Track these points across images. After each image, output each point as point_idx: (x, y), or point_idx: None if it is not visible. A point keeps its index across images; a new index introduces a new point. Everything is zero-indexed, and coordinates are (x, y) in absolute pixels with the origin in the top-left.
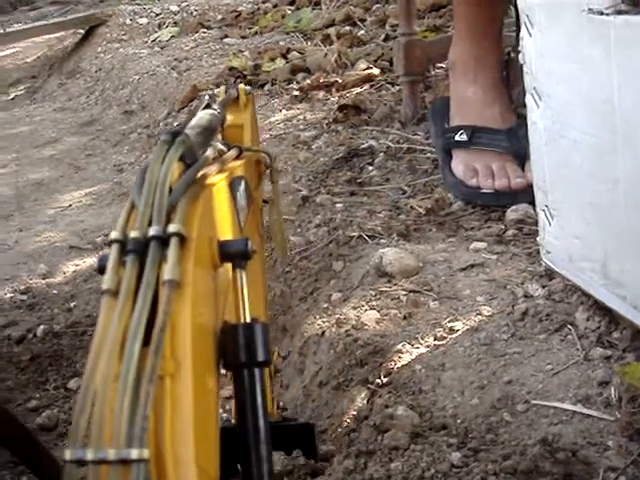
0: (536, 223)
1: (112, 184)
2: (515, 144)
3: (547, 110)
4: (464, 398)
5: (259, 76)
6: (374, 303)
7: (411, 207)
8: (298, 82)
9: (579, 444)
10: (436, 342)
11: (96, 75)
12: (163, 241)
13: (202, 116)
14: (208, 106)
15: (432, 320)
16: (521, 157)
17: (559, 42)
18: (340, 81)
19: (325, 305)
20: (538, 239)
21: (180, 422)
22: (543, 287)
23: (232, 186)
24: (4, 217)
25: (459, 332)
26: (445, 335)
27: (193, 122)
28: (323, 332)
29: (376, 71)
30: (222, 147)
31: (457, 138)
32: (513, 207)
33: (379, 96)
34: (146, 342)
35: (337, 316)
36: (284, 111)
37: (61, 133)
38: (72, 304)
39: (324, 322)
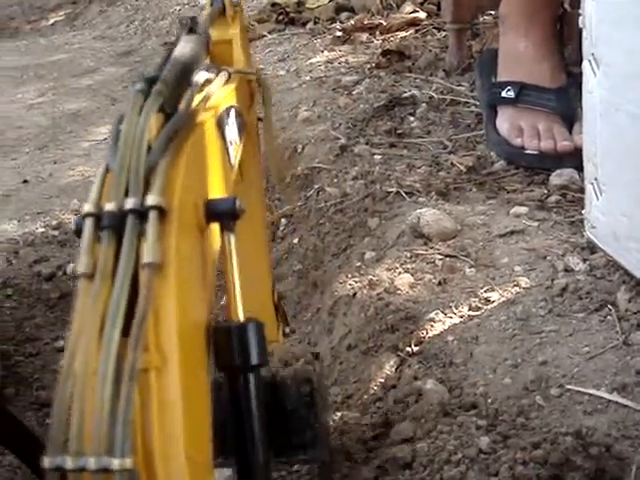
0: (581, 190)
1: None
2: (564, 104)
3: (605, 80)
4: (496, 376)
5: (302, 14)
6: (408, 266)
7: (451, 163)
8: (342, 22)
9: (613, 436)
10: (470, 312)
11: (137, 4)
12: (141, 214)
13: (183, 49)
14: (191, 30)
15: (467, 288)
16: (569, 118)
17: (622, 7)
18: (384, 24)
19: (358, 264)
20: (584, 212)
21: (168, 418)
22: (584, 261)
23: (220, 122)
24: (39, 148)
25: (494, 304)
26: (480, 306)
27: (174, 57)
28: (354, 293)
29: (422, 15)
30: (208, 75)
31: (503, 94)
32: (558, 171)
33: (424, 42)
34: (127, 331)
35: (370, 277)
36: (325, 52)
37: (99, 63)
38: None
39: (356, 282)
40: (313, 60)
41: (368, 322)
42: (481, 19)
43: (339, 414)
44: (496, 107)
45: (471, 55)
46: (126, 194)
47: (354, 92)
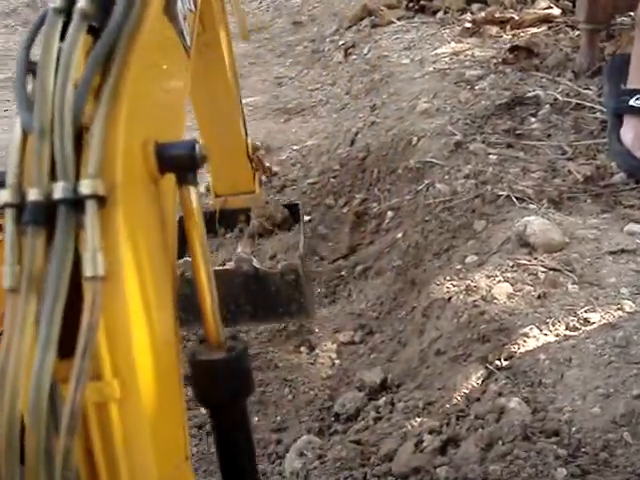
0: None
1: (269, 97)
2: None
3: None
4: (585, 404)
5: (433, 2)
6: (509, 275)
7: (568, 171)
8: (472, 13)
9: None
10: (567, 332)
11: None
12: (76, 203)
13: None
14: None
15: (567, 306)
16: None
17: None
18: (516, 18)
19: (458, 267)
20: None
21: (136, 453)
22: None
23: (168, 5)
24: None
25: (594, 325)
26: (578, 326)
27: None
28: (450, 297)
29: (556, 11)
30: None
31: (632, 102)
32: None
33: (555, 40)
34: (66, 352)
35: (468, 282)
36: (452, 44)
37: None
38: None
39: (453, 286)
40: (439, 51)
41: (460, 329)
42: (618, 20)
43: (418, 420)
44: (622, 116)
45: (603, 58)
46: (53, 172)
47: (476, 87)
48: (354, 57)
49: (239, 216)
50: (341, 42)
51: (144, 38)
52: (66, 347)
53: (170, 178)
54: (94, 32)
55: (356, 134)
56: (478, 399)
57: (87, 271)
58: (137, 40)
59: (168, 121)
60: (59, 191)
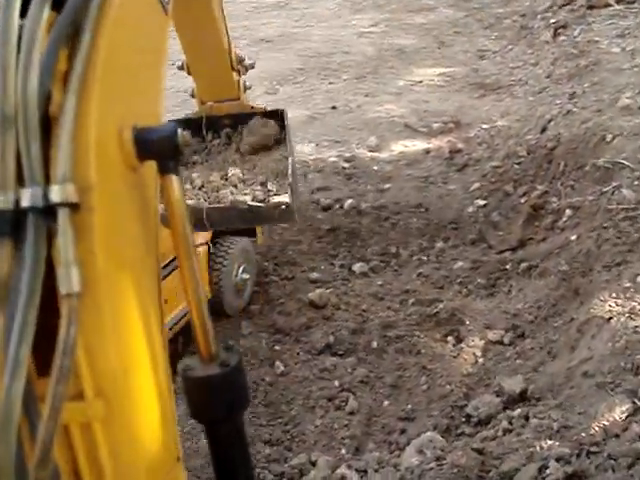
0: None
1: (469, 70)
2: None
3: None
4: None
5: None
6: None
7: None
8: None
9: None
10: None
11: None
12: (46, 211)
13: None
14: None
15: None
16: None
17: None
18: None
19: (627, 284)
20: None
21: (128, 473)
22: None
23: None
24: (357, 78)
25: None
26: None
27: None
28: (611, 317)
29: None
30: None
31: None
32: None
33: None
34: (44, 370)
35: (634, 304)
36: None
37: (439, 2)
38: (386, 185)
39: (617, 305)
40: None
41: (614, 354)
42: None
43: (549, 442)
44: None
45: None
46: (20, 173)
47: None
48: (563, 38)
49: (225, 121)
50: (552, 20)
51: (115, 11)
52: (44, 364)
53: (151, 165)
54: (60, 7)
55: (549, 121)
56: (617, 435)
57: (62, 288)
58: (107, 14)
59: (145, 102)
60: (27, 199)
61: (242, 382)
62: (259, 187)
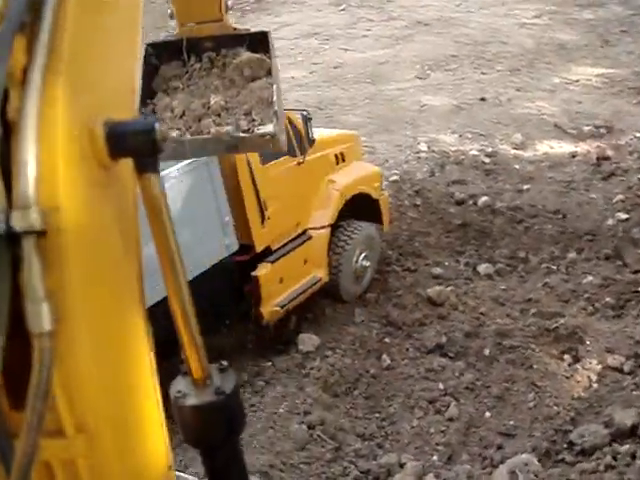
0: None
1: (630, 72)
2: None
3: None
4: None
5: None
6: None
7: None
8: None
9: None
10: None
11: None
12: (9, 237)
13: None
14: None
15: None
16: None
17: None
18: None
19: None
20: None
21: None
22: None
23: None
24: (511, 70)
25: None
26: None
27: None
28: None
29: None
30: None
31: None
32: None
33: None
34: (18, 403)
35: None
36: None
37: None
38: (525, 186)
39: None
40: None
41: None
42: None
43: None
44: None
45: None
46: None
47: None
48: None
49: (206, 44)
50: None
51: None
52: (18, 397)
53: (127, 163)
54: None
55: None
56: None
57: (32, 327)
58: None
59: (118, 93)
60: None
61: (238, 408)
62: (243, 116)
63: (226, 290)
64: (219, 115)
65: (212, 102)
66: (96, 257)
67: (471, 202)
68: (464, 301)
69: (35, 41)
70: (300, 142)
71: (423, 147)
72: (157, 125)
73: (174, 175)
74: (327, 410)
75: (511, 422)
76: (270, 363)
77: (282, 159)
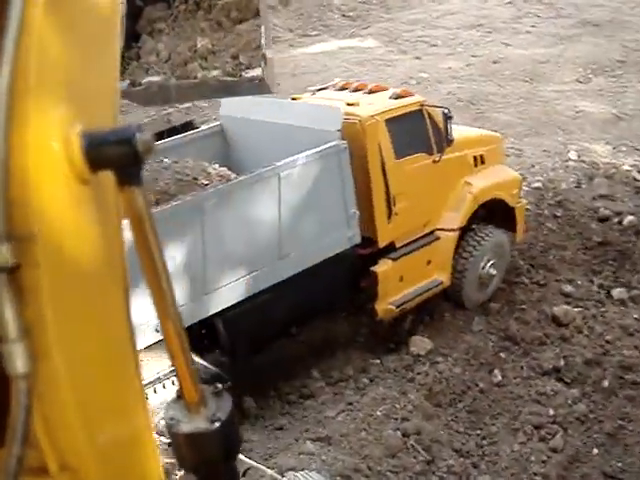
0: None
1: None
2: None
3: None
4: None
5: None
6: None
7: None
8: None
9: None
10: None
11: None
12: None
13: None
14: None
15: None
16: None
17: None
18: None
19: None
20: None
21: None
22: None
23: None
24: None
25: None
26: None
27: None
28: None
29: None
30: None
31: None
32: None
33: None
34: None
35: None
36: None
37: None
38: None
39: None
40: None
41: None
42: None
43: None
44: None
45: None
46: None
47: None
48: None
49: None
50: None
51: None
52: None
53: (107, 176)
54: None
55: None
56: None
57: (9, 368)
58: None
59: (96, 100)
60: None
61: (234, 434)
62: (230, 60)
63: (343, 281)
64: (205, 59)
65: (199, 45)
66: (77, 285)
67: (615, 220)
68: (591, 325)
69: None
70: (438, 140)
71: (573, 155)
72: (138, 134)
73: (302, 162)
74: (426, 419)
75: (619, 464)
76: (378, 361)
77: (417, 155)
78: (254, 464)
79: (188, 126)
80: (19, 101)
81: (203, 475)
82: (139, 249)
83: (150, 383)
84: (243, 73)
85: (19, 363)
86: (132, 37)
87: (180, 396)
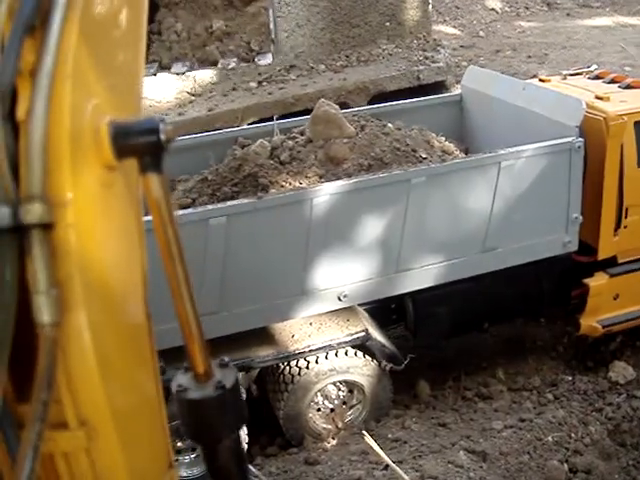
0: None
1: None
2: None
3: None
4: None
5: None
6: None
7: None
8: None
9: None
10: None
11: None
12: (18, 230)
13: None
14: None
15: None
16: None
17: None
18: None
19: None
20: None
21: None
22: None
23: None
24: None
25: None
26: None
27: None
28: None
29: None
30: None
31: None
32: None
33: None
34: (24, 396)
35: None
36: None
37: None
38: None
39: None
40: None
41: None
42: None
43: None
44: None
45: None
46: None
47: None
48: None
49: None
50: None
51: None
52: (24, 389)
53: (132, 164)
54: None
55: None
56: None
57: (38, 317)
58: None
59: (123, 92)
60: None
61: (239, 402)
62: (244, 44)
63: (551, 287)
64: (221, 40)
65: (215, 27)
66: (100, 252)
67: None
68: None
69: (43, 44)
70: None
71: None
72: (162, 125)
73: (528, 154)
74: (602, 458)
75: None
76: (570, 378)
77: None
78: (392, 465)
79: (438, 86)
80: (58, 83)
81: (206, 443)
82: (157, 233)
83: (322, 349)
84: (256, 59)
85: (49, 312)
86: (150, 7)
87: (189, 368)
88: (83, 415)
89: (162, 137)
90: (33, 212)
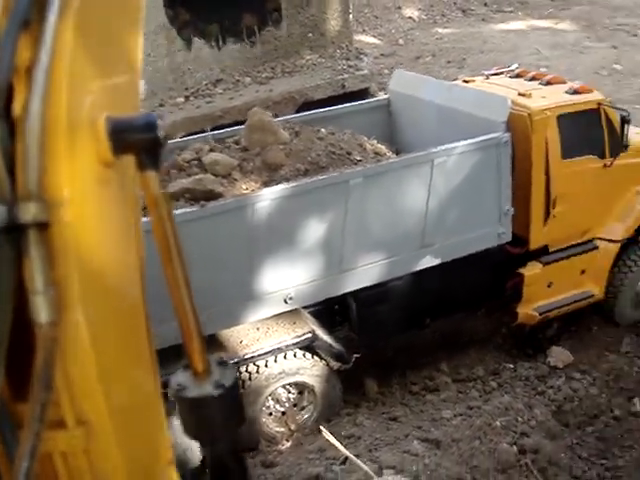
0: None
1: None
2: None
3: None
4: None
5: None
6: None
7: None
8: None
9: None
10: None
11: None
12: (14, 229)
13: None
14: None
15: None
16: None
17: None
18: None
19: None
20: None
21: None
22: None
23: None
24: None
25: None
26: None
27: None
28: None
29: None
30: None
31: None
32: None
33: None
34: (22, 395)
35: None
36: None
37: None
38: None
39: None
40: None
41: None
42: None
43: None
44: None
45: None
46: None
47: None
48: None
49: None
50: None
51: None
52: (22, 389)
53: (129, 160)
54: None
55: None
56: None
57: (36, 316)
58: None
59: (121, 88)
60: None
61: (237, 402)
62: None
63: (488, 279)
64: None
65: None
66: (97, 250)
67: None
68: None
69: (39, 40)
70: (612, 144)
71: None
72: (159, 121)
73: (459, 150)
74: (548, 438)
75: None
76: (512, 366)
77: (587, 157)
78: (351, 457)
79: (363, 94)
80: (55, 80)
81: (205, 441)
82: (155, 229)
83: (271, 352)
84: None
85: (44, 312)
86: None
87: (188, 366)
88: (81, 414)
89: (159, 133)
90: (30, 211)
